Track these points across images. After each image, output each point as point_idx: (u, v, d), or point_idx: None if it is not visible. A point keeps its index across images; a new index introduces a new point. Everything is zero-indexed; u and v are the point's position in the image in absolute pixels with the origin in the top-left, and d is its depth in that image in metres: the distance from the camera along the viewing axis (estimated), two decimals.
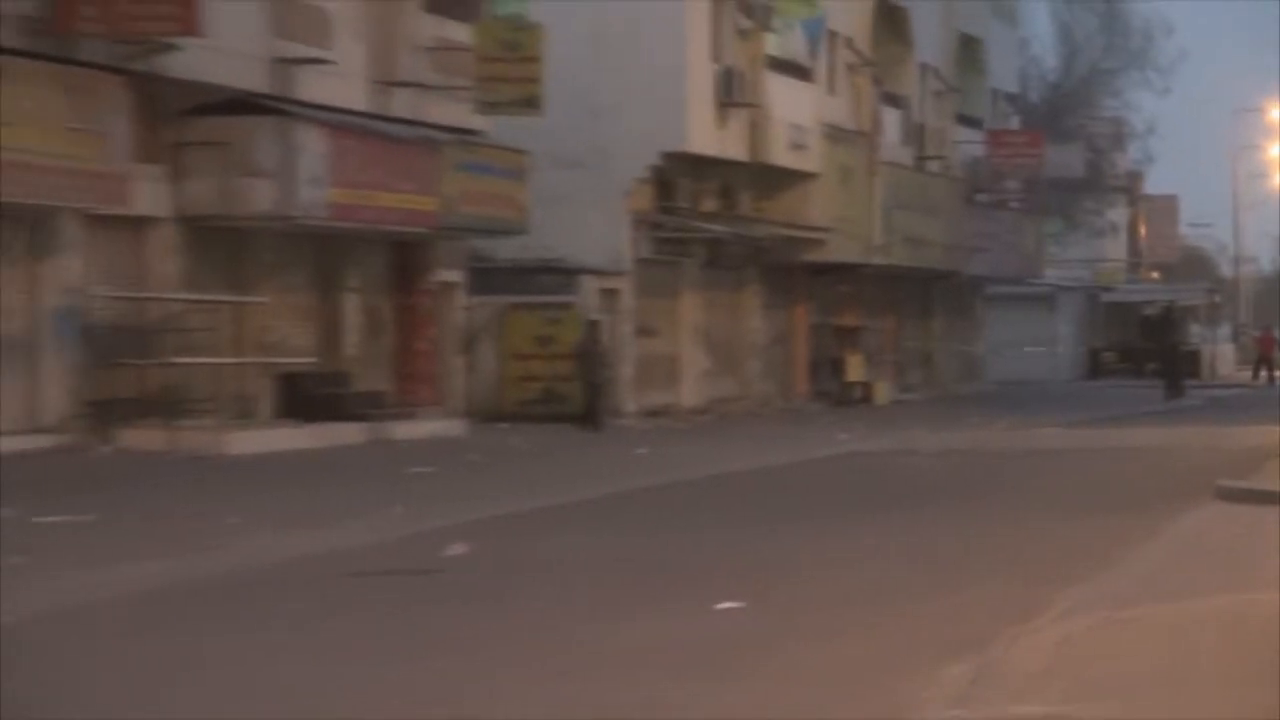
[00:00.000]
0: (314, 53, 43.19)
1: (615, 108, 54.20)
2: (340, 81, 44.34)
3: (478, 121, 49.44)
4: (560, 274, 54.29)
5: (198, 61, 39.28)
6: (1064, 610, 17.32)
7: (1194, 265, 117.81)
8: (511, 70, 49.55)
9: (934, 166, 76.54)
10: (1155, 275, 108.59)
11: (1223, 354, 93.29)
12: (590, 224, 54.76)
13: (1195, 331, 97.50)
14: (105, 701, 14.43)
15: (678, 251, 59.23)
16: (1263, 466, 31.69)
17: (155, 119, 39.92)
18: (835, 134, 65.95)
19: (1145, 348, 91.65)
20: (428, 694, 13.99)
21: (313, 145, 42.54)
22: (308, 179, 42.32)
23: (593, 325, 53.28)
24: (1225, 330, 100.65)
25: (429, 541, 23.99)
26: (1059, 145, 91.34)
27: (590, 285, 54.63)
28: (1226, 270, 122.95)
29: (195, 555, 22.94)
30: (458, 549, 22.92)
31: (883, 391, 69.92)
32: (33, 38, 36.14)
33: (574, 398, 51.70)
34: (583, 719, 13.09)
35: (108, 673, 15.57)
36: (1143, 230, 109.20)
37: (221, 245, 42.76)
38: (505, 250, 52.99)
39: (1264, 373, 73.02)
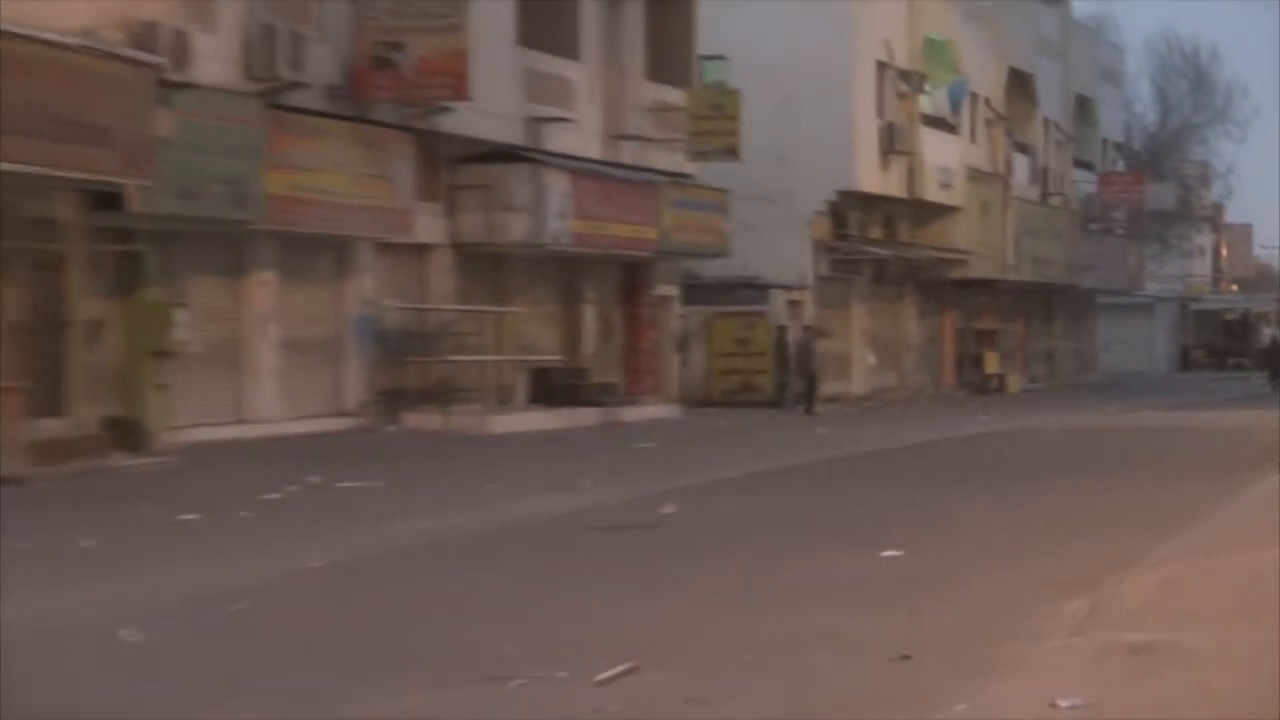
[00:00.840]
0: (559, 113, 43.65)
1: (799, 155, 53.96)
2: (580, 136, 44.77)
3: (689, 167, 49.62)
4: (754, 289, 54.26)
5: (467, 120, 39.81)
6: (1159, 558, 17.65)
7: (1265, 279, 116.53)
8: (716, 126, 49.57)
9: (1055, 201, 75.96)
10: (1234, 288, 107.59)
11: None
12: (779, 248, 54.73)
13: (1267, 333, 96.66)
14: (460, 625, 15.17)
15: (849, 270, 59.14)
16: None
17: (433, 166, 40.44)
18: (976, 175, 65.57)
19: (1227, 346, 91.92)
20: (658, 621, 14.61)
21: (558, 186, 42.90)
22: (554, 213, 42.72)
23: (784, 331, 53.61)
24: None
25: (649, 502, 24.29)
26: (1156, 184, 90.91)
27: (779, 298, 54.62)
28: None
29: (466, 514, 23.50)
30: (669, 509, 23.20)
31: (1014, 382, 69.35)
32: (337, 103, 36.80)
33: (766, 388, 51.91)
34: (779, 640, 13.67)
35: (434, 604, 16.30)
36: (1223, 251, 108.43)
37: (485, 266, 43.19)
38: (710, 270, 53.03)
39: None
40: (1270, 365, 74.91)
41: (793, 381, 52.91)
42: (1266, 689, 11.23)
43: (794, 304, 55.39)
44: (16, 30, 27.65)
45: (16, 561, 18.54)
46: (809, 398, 49.92)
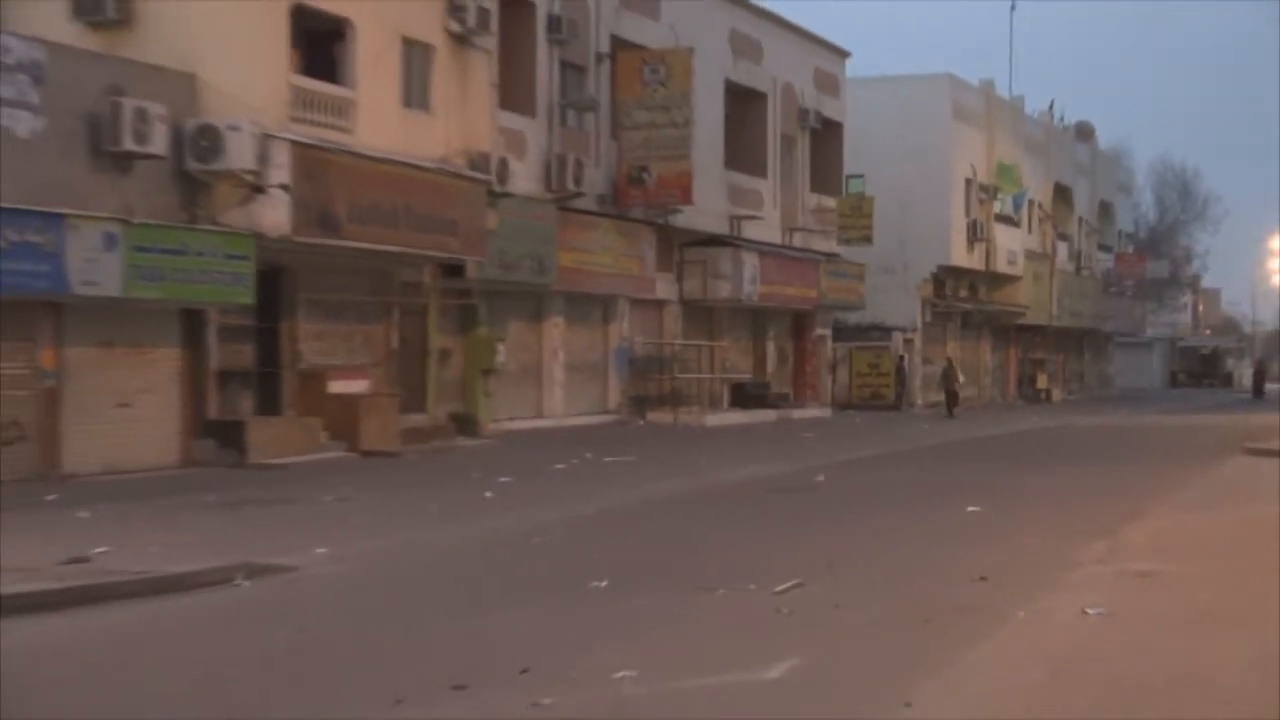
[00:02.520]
0: (752, 213, 43.45)
1: (912, 241, 53.40)
2: (765, 228, 44.46)
3: (838, 249, 49.29)
4: (881, 330, 53.76)
5: (690, 218, 39.66)
6: (1155, 515, 17.82)
7: (1230, 326, 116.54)
8: (856, 222, 49.12)
9: (1085, 273, 74.99)
10: (1207, 331, 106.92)
11: (1245, 375, 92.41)
12: (897, 304, 54.30)
13: (1229, 363, 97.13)
14: (681, 553, 15.35)
15: (944, 318, 58.41)
16: (1270, 436, 31.32)
17: (668, 248, 40.25)
18: (1031, 255, 64.78)
19: (1201, 371, 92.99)
20: (816, 553, 14.73)
21: (750, 262, 42.72)
22: (748, 280, 42.49)
23: (901, 359, 53.44)
24: (1246, 362, 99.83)
25: (809, 472, 24.26)
26: (1154, 261, 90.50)
27: (898, 337, 54.17)
28: (1247, 328, 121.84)
29: (687, 479, 23.49)
30: (821, 477, 23.39)
31: (1057, 395, 68.34)
32: (605, 206, 36.84)
33: (888, 397, 51.34)
34: (898, 565, 13.81)
35: (664, 539, 16.54)
36: (1200, 307, 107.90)
37: (701, 315, 42.80)
38: (852, 318, 52.55)
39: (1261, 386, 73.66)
40: (1254, 384, 74.72)
41: (936, 394, 53.11)
42: (1222, 599, 11.36)
43: (908, 341, 54.84)
44: (396, 158, 28.24)
45: (397, 508, 19.09)
46: (950, 405, 49.08)
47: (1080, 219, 75.11)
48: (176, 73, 24.88)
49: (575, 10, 35.72)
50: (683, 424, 38.36)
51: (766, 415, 42.84)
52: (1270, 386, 77.79)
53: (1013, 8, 73.82)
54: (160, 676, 9.60)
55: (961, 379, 52.73)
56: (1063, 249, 71.43)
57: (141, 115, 23.59)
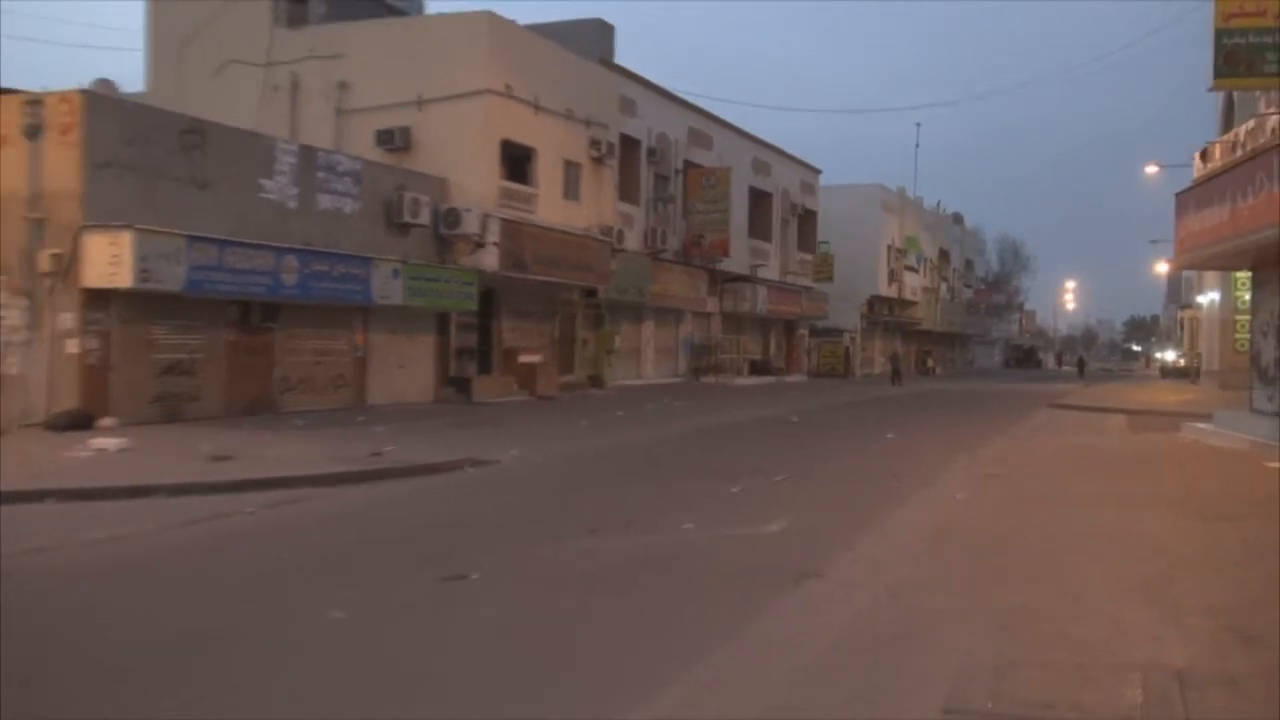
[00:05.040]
0: (762, 263, 43.08)
1: (856, 279, 53.06)
2: (770, 271, 43.85)
3: (812, 284, 48.89)
4: (836, 331, 53.19)
5: (728, 265, 39.17)
6: (997, 441, 17.49)
7: (1040, 333, 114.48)
8: (823, 268, 48.69)
9: (956, 300, 73.77)
10: (1027, 335, 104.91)
11: (1048, 361, 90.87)
12: (846, 315, 53.53)
13: (1039, 355, 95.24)
14: (715, 457, 14.86)
15: (874, 325, 57.85)
16: (1067, 395, 30.78)
17: (715, 283, 39.66)
18: (926, 290, 63.97)
19: (1024, 359, 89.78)
20: (798, 458, 14.46)
21: (762, 291, 42.36)
22: (760, 301, 42.15)
23: (847, 348, 52.77)
24: (1050, 354, 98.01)
25: (790, 414, 23.54)
26: (996, 294, 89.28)
27: (846, 335, 53.69)
28: (1050, 334, 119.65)
29: (722, 417, 22.87)
30: (795, 418, 22.75)
31: (938, 371, 67.20)
32: (678, 257, 36.64)
33: (840, 370, 50.71)
34: (843, 471, 13.59)
35: (707, 450, 16.14)
36: (1023, 321, 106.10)
37: (733, 321, 42.19)
38: (820, 324, 51.78)
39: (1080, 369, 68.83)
40: (1079, 367, 68.43)
41: (871, 369, 52.46)
42: (1037, 490, 11.16)
43: (852, 338, 54.27)
44: (559, 228, 28.22)
45: (557, 428, 19.10)
46: (895, 377, 45.65)
47: (954, 269, 74.03)
48: (435, 177, 25.07)
49: (663, 144, 35.57)
50: (720, 384, 37.89)
51: (769, 380, 42.22)
52: (1066, 368, 76.09)
53: (918, 125, 73.60)
54: (425, 519, 9.75)
55: (884, 360, 51.98)
56: (943, 286, 70.42)
57: (415, 202, 23.82)
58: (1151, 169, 42.02)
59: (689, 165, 37.35)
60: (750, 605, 6.31)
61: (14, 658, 5.39)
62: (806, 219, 48.47)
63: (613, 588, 6.88)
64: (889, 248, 57.30)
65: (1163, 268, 66.35)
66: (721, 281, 40.70)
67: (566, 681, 5.10)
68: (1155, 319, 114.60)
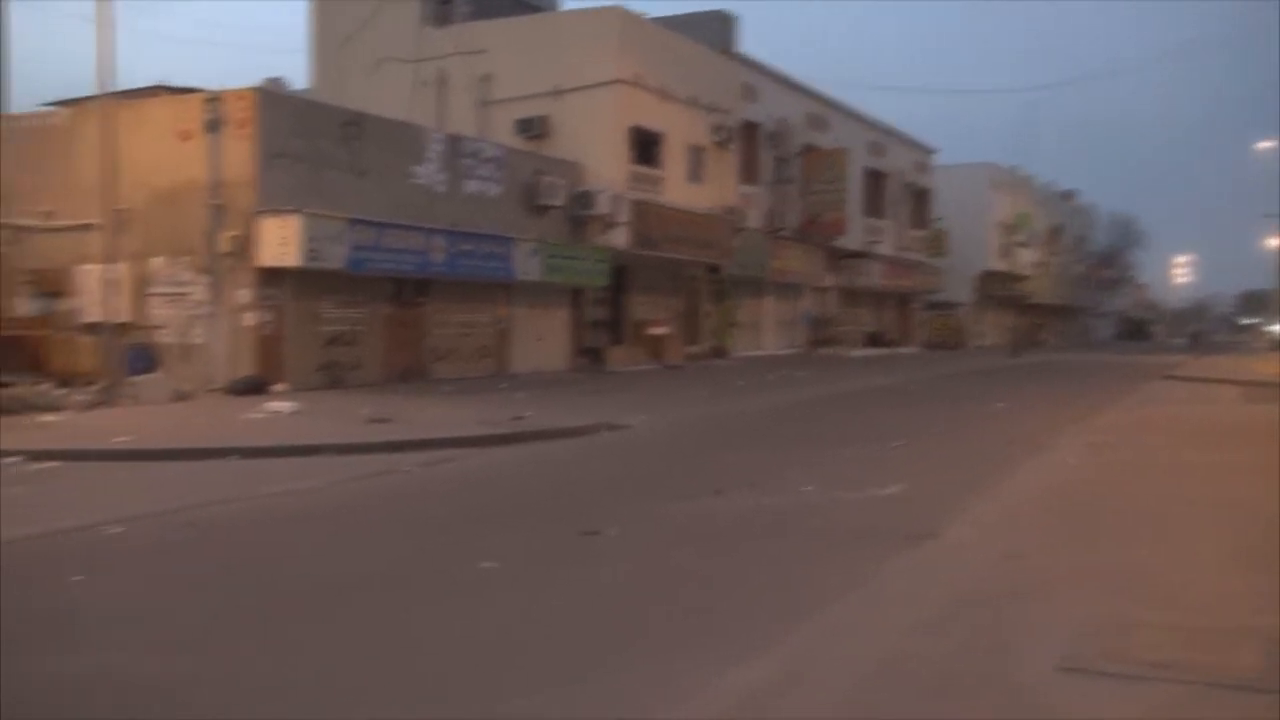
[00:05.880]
0: (878, 239, 42.27)
1: (970, 254, 51.98)
2: (888, 246, 43.26)
3: (927, 259, 47.95)
4: (950, 304, 52.00)
5: (845, 242, 38.60)
6: (1108, 411, 16.85)
7: (1151, 306, 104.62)
8: (938, 245, 47.86)
9: (1070, 275, 70.57)
10: (1140, 308, 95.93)
11: (1159, 333, 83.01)
12: (959, 289, 52.49)
13: (1151, 327, 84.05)
14: (820, 425, 14.72)
15: (986, 298, 56.28)
16: (1177, 367, 29.49)
17: (833, 259, 39.14)
18: (1039, 264, 61.88)
19: (1135, 331, 79.23)
20: (909, 423, 14.19)
21: (878, 266, 41.81)
22: (877, 275, 41.65)
23: (960, 321, 51.49)
24: (1161, 326, 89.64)
25: (906, 383, 23.13)
26: (1109, 268, 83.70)
27: (959, 309, 52.60)
28: (1162, 307, 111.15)
29: (836, 386, 22.58)
30: (914, 387, 22.46)
31: (1050, 343, 65.11)
32: (797, 234, 36.32)
33: (955, 343, 49.27)
34: (957, 432, 13.22)
35: (814, 420, 15.91)
36: (1136, 294, 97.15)
37: (849, 295, 41.41)
38: (937, 297, 50.87)
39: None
40: (1193, 339, 61.49)
41: (983, 340, 51.07)
42: (1137, 458, 10.82)
43: (965, 311, 53.08)
44: (684, 208, 28.21)
45: (683, 395, 19.12)
46: (1014, 348, 43.93)
47: (1066, 244, 71.41)
48: (570, 162, 25.32)
49: (782, 128, 35.15)
50: (837, 355, 37.31)
51: (883, 351, 41.36)
52: (1177, 341, 71.34)
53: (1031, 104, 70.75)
54: (563, 478, 9.93)
55: (1020, 335, 50.27)
56: (1055, 261, 67.95)
57: (552, 185, 24.13)
58: (1265, 144, 39.88)
59: (807, 148, 36.79)
60: (867, 564, 6.28)
61: (212, 593, 5.80)
62: (920, 196, 47.36)
63: (737, 545, 6.93)
64: (1001, 224, 55.71)
65: (1275, 241, 62.31)
66: (839, 257, 40.10)
67: (699, 626, 5.19)
68: (1268, 293, 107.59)
